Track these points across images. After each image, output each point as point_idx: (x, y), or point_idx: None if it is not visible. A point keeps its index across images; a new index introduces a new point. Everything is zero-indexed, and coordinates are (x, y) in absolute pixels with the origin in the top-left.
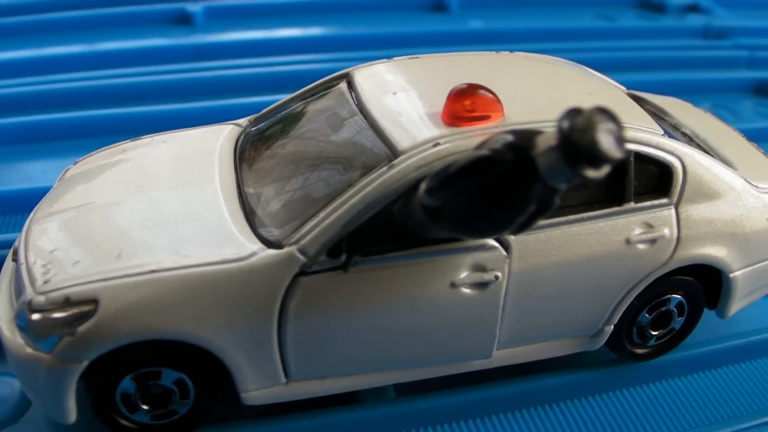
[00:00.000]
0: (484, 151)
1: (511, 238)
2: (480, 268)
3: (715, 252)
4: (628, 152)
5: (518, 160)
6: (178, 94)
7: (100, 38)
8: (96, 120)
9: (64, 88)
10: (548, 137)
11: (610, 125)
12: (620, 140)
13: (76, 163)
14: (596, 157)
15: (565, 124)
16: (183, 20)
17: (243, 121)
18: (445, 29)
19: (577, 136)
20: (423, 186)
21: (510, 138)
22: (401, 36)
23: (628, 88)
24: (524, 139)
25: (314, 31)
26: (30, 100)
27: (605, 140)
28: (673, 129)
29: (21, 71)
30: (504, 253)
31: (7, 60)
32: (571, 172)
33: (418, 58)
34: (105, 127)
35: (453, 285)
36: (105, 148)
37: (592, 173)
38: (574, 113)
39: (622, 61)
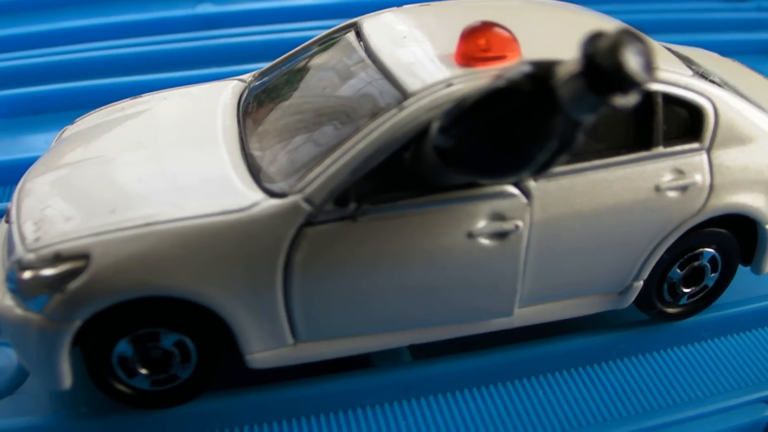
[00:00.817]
0: (500, 83)
1: (532, 185)
2: (499, 217)
3: (750, 201)
4: (656, 77)
5: (538, 91)
6: (187, 62)
7: (106, 10)
8: (102, 89)
9: (72, 59)
10: (570, 65)
11: (639, 46)
12: (649, 63)
13: (74, 122)
14: (624, 81)
15: (589, 48)
16: None
17: (247, 76)
18: None
19: (602, 59)
20: (435, 125)
21: (528, 68)
22: (414, 2)
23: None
24: (544, 69)
25: None
26: (37, 72)
27: (633, 61)
28: (701, 77)
29: (29, 44)
30: (525, 200)
31: (14, 34)
32: (597, 100)
33: (428, 4)
34: (111, 97)
35: (470, 235)
36: (104, 106)
37: (620, 100)
38: (598, 36)
39: (642, 23)
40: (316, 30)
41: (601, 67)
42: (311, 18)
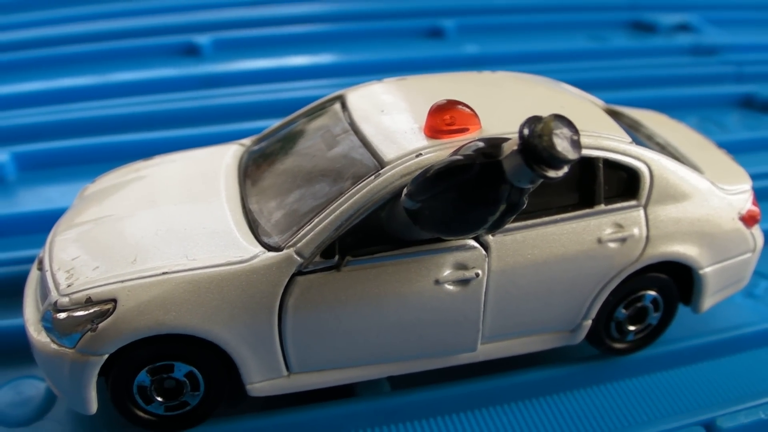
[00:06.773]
0: (457, 157)
1: (490, 239)
2: (461, 266)
3: (683, 250)
4: (582, 154)
5: (487, 164)
6: (188, 120)
7: (113, 70)
8: (110, 146)
9: (81, 117)
10: (512, 143)
11: (566, 130)
12: (576, 143)
13: (93, 181)
14: (554, 158)
15: (526, 130)
16: (191, 51)
17: (247, 140)
18: (441, 54)
19: (535, 140)
20: (405, 190)
21: (480, 145)
22: (400, 62)
23: (620, 106)
24: (492, 145)
25: (316, 59)
26: (50, 128)
27: (561, 143)
28: (647, 139)
29: (40, 101)
30: (483, 252)
31: (27, 91)
32: (533, 173)
33: (405, 79)
34: (119, 153)
35: (437, 282)
36: (120, 167)
37: (551, 173)
38: (534, 120)
39: (614, 80)
40: (314, 89)
41: (535, 147)
42: (308, 78)
